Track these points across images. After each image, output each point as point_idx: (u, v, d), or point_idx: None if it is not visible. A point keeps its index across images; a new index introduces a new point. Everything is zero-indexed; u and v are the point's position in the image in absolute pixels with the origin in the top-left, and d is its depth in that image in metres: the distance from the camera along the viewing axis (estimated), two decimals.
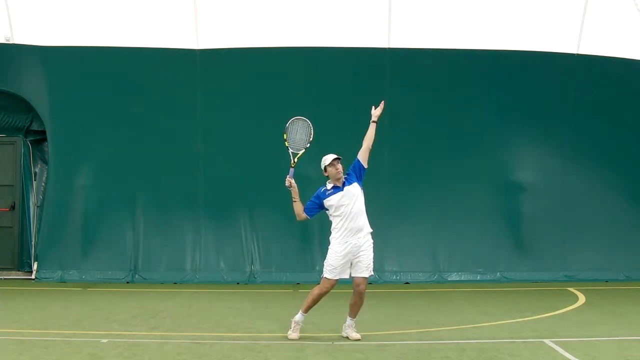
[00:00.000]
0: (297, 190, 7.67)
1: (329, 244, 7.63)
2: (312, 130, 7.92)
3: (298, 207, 7.69)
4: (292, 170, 7.69)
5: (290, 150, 7.84)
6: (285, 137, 7.86)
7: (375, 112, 7.80)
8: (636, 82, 13.13)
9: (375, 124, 7.77)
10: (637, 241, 13.01)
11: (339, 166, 7.58)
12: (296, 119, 7.98)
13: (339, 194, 7.54)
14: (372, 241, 7.63)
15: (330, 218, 7.66)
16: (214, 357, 6.82)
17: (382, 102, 7.85)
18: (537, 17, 12.60)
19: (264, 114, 12.53)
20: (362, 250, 7.52)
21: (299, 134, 7.92)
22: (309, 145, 7.88)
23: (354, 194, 7.54)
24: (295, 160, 7.77)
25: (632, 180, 13.17)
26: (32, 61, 12.95)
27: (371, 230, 7.65)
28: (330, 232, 7.64)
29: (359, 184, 7.64)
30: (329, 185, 7.64)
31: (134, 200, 12.86)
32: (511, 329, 8.38)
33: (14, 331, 8.15)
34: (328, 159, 7.60)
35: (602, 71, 13.02)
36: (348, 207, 7.49)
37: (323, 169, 7.66)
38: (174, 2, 12.53)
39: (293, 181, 7.66)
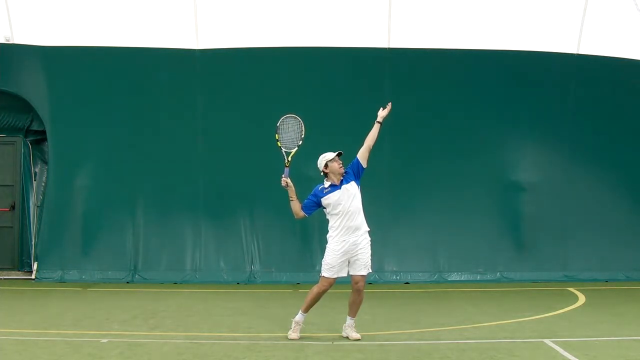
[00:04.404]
0: (293, 189, 7.64)
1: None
2: (304, 127, 7.83)
3: (295, 206, 7.68)
4: (287, 169, 7.63)
5: (283, 150, 7.76)
6: (277, 137, 7.79)
7: (382, 113, 7.76)
8: (636, 82, 13.13)
9: (380, 124, 7.72)
10: (637, 241, 13.00)
11: (341, 161, 7.58)
12: (286, 117, 7.89)
13: (336, 192, 7.53)
14: (369, 239, 7.63)
15: (328, 217, 7.65)
16: (214, 357, 6.82)
17: (390, 103, 7.80)
18: (537, 17, 12.60)
19: (263, 114, 12.46)
20: (359, 249, 7.52)
21: (290, 132, 7.82)
22: (301, 142, 7.80)
23: (352, 192, 7.53)
24: (289, 159, 7.71)
25: (632, 181, 13.16)
26: (32, 61, 12.93)
27: (368, 229, 7.64)
28: (328, 231, 7.63)
29: (357, 182, 7.63)
30: (327, 184, 7.62)
31: (134, 200, 12.85)
32: (511, 329, 8.37)
33: (14, 331, 8.15)
34: (329, 155, 7.57)
35: (602, 71, 13.02)
36: (345, 206, 7.48)
37: (323, 165, 7.59)
38: (174, 2, 12.53)
39: (289, 180, 7.62)
